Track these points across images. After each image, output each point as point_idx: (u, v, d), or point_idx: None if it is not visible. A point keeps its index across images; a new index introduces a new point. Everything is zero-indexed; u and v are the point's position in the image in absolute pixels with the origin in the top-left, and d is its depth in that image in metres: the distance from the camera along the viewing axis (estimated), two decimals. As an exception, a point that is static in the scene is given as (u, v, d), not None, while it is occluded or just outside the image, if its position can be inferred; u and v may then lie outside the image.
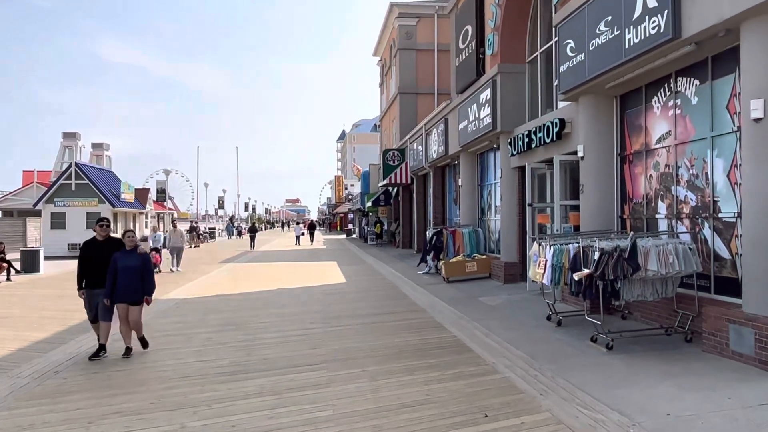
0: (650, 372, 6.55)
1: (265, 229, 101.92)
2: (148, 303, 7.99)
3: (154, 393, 6.16)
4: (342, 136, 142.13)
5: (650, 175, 9.35)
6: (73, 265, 23.43)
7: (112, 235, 8.34)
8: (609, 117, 10.28)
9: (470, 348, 8.02)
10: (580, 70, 9.88)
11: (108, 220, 8.38)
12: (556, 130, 11.60)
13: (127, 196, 31.35)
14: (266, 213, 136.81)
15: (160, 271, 19.26)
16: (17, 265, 19.73)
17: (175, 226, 20.08)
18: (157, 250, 19.29)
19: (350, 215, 64.67)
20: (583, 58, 9.79)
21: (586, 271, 7.88)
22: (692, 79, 8.31)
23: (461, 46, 17.84)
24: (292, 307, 11.95)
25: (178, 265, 19.87)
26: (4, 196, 46.98)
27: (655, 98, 9.16)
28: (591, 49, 9.48)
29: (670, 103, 8.78)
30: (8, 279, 17.70)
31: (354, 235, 55.94)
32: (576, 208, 11.23)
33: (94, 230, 8.16)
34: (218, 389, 6.24)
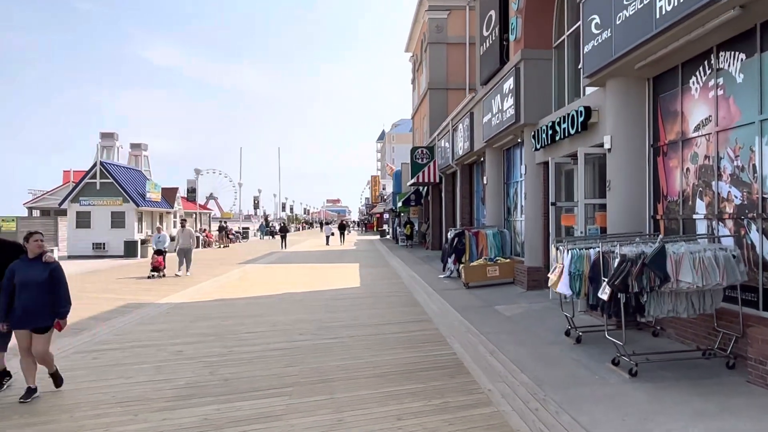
0: (679, 409, 5.29)
1: (303, 229, 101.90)
2: (60, 328, 6.13)
3: (74, 423, 5.22)
4: (382, 136, 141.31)
5: (687, 169, 8.00)
6: (95, 264, 22.83)
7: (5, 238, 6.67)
8: (640, 102, 8.95)
9: (468, 369, 6.87)
10: (606, 48, 8.60)
11: None
12: (580, 119, 10.31)
13: (153, 195, 31.02)
14: (305, 213, 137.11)
15: (164, 275, 18.10)
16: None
17: (183, 226, 18.80)
18: (160, 252, 18.18)
19: (385, 215, 63.75)
20: (609, 34, 8.51)
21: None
22: (737, 53, 6.95)
23: (485, 33, 16.59)
24: (290, 314, 10.97)
25: (187, 269, 18.60)
26: (42, 195, 47.64)
27: (693, 78, 7.81)
28: (618, 23, 8.20)
29: (711, 82, 7.43)
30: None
31: (388, 236, 54.91)
32: (604, 207, 9.93)
33: None
34: (151, 419, 5.27)
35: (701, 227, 7.71)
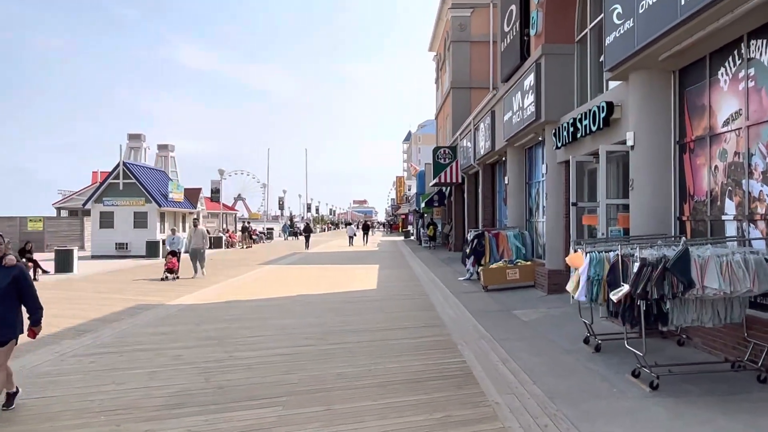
0: (701, 429, 4.82)
1: (329, 230, 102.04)
2: (35, 335, 5.60)
3: (53, 434, 4.97)
4: (408, 137, 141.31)
5: (715, 167, 7.47)
6: (116, 264, 22.54)
7: None
8: (665, 97, 8.43)
9: (476, 380, 6.46)
10: (629, 39, 8.11)
11: None
12: (602, 115, 9.81)
13: (176, 195, 31.10)
14: (331, 214, 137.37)
15: (177, 277, 17.45)
16: (50, 265, 19.47)
17: (195, 226, 18.35)
18: (175, 254, 17.69)
19: (410, 216, 63.37)
20: (631, 24, 8.02)
21: (625, 288, 6.19)
22: (770, 41, 6.43)
23: (506, 29, 16.11)
24: (299, 317, 10.66)
25: (202, 270, 18.12)
26: (70, 195, 48.31)
27: (722, 69, 7.29)
28: (641, 12, 7.71)
29: (741, 73, 6.90)
30: (35, 278, 17.30)
31: (412, 237, 54.48)
32: (628, 208, 9.42)
33: None
34: (133, 431, 4.98)
35: (731, 229, 7.19)
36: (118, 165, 29.09)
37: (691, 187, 8.03)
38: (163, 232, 29.66)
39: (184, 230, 32.01)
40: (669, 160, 8.39)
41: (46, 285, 16.29)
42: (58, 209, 47.75)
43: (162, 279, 17.11)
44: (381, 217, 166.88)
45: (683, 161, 8.21)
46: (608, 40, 8.85)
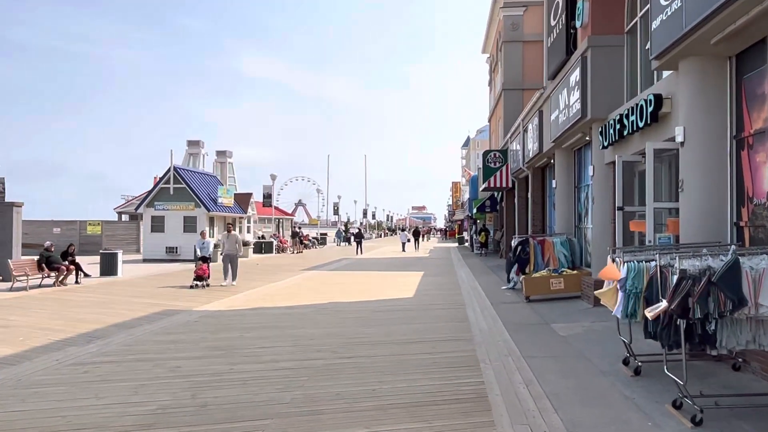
0: (751, 481, 3.93)
1: (385, 236, 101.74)
2: None
3: (3, 455, 4.54)
4: (466, 142, 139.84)
5: (778, 164, 6.45)
6: (164, 268, 22.23)
7: None
8: (719, 86, 7.42)
9: (490, 405, 5.69)
10: (676, 21, 7.18)
11: None
12: (650, 109, 8.84)
13: (225, 200, 31.23)
14: (388, 220, 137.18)
15: (208, 285, 16.47)
16: (94, 268, 19.68)
17: (229, 231, 17.44)
18: (205, 260, 16.91)
19: (465, 222, 62.26)
20: (679, 4, 7.09)
21: (663, 304, 5.30)
22: (842, 13, 5.43)
23: (552, 23, 15.17)
24: (320, 327, 10.09)
25: (233, 278, 16.98)
26: (131, 200, 49.62)
27: (786, 51, 6.28)
28: (689, -11, 6.78)
29: (808, 54, 5.90)
30: (77, 281, 17.44)
31: (466, 243, 53.35)
32: (678, 212, 8.42)
33: None
34: (87, 455, 4.49)
35: (796, 236, 6.15)
36: (168, 170, 29.47)
37: (749, 187, 7.00)
38: (212, 237, 29.85)
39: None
40: (724, 158, 7.37)
41: (85, 289, 16.38)
42: (119, 213, 49.07)
43: (191, 287, 16.19)
44: (440, 223, 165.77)
45: (740, 158, 7.18)
46: (654, 24, 7.93)
